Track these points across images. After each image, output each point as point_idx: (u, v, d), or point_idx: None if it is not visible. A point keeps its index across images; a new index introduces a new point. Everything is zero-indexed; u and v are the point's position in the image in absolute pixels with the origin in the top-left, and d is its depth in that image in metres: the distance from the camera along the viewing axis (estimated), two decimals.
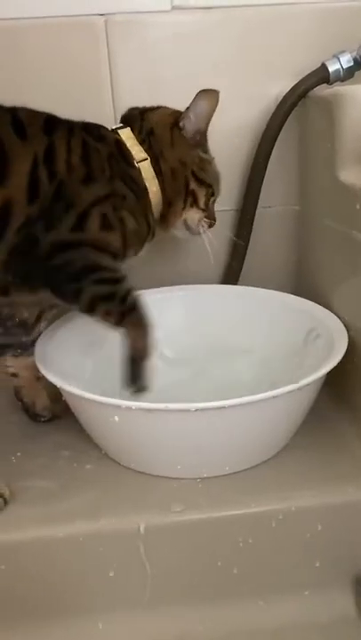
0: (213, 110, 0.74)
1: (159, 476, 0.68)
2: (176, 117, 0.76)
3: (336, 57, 0.84)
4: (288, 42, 0.88)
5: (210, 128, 0.77)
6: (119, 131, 0.74)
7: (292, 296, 0.87)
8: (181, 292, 0.90)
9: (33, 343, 0.75)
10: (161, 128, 0.75)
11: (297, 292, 0.89)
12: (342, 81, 0.85)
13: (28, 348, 0.76)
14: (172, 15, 0.86)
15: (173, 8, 0.86)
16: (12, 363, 0.78)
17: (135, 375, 0.68)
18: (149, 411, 0.62)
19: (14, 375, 0.79)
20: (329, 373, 0.67)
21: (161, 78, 0.88)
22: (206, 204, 0.78)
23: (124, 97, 0.87)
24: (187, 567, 0.66)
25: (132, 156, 0.73)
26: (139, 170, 0.73)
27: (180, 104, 0.85)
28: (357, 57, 0.83)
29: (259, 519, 0.65)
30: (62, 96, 0.84)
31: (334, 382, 0.72)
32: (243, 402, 0.61)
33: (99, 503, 0.66)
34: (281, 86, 0.87)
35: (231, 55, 0.88)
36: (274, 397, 0.62)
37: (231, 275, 0.96)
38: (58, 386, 0.67)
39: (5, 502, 0.66)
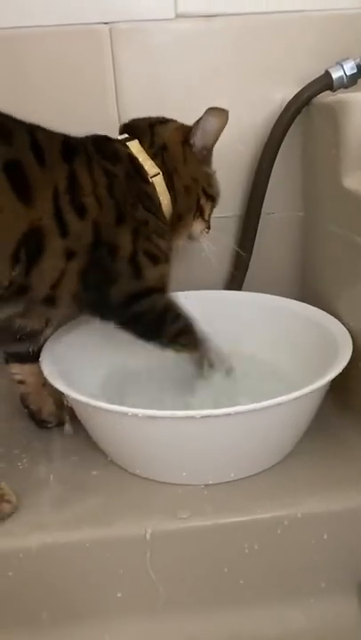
0: (222, 129, 0.76)
1: (165, 483, 0.68)
2: (185, 133, 0.77)
3: (340, 64, 0.84)
4: (291, 49, 0.88)
5: None
6: (128, 144, 0.75)
7: (297, 302, 0.87)
8: (185, 299, 0.90)
9: (39, 351, 0.76)
10: (174, 144, 0.76)
11: (301, 297, 0.89)
12: (346, 88, 0.85)
13: (35, 356, 0.76)
14: (175, 23, 0.87)
15: (177, 16, 0.87)
16: (19, 370, 0.79)
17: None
18: (155, 418, 0.62)
19: (21, 382, 0.79)
20: (334, 379, 0.67)
21: (165, 85, 0.88)
22: (209, 215, 0.81)
23: (129, 104, 0.88)
24: (193, 573, 0.66)
25: (145, 171, 0.74)
26: (153, 185, 0.74)
27: (184, 111, 0.86)
28: None
29: (264, 525, 0.65)
30: (67, 103, 0.85)
31: (339, 388, 0.72)
32: (248, 409, 0.61)
33: (105, 510, 0.66)
34: (284, 93, 0.88)
35: (235, 62, 0.89)
36: (278, 405, 0.62)
37: (235, 281, 0.96)
38: (64, 393, 0.68)
39: (12, 509, 0.66)
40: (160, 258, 0.72)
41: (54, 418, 0.80)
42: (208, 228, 0.82)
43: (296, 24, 0.88)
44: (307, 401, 0.67)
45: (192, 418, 0.61)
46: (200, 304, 0.90)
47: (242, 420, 0.63)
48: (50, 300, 0.69)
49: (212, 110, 0.75)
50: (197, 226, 0.80)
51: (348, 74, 0.84)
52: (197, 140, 0.76)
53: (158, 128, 0.77)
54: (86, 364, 0.79)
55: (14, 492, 0.67)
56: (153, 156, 0.75)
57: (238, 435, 0.65)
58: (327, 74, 0.85)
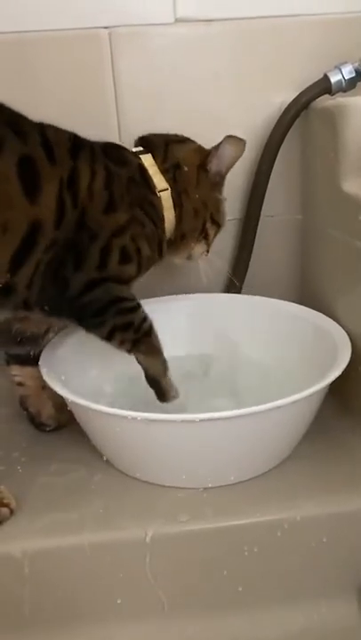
0: (238, 157, 0.77)
1: (165, 486, 0.68)
2: (202, 157, 0.77)
3: (338, 68, 0.84)
4: (290, 53, 0.89)
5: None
6: (141, 156, 0.75)
7: (296, 305, 0.87)
8: (185, 302, 0.91)
9: (40, 354, 0.76)
10: (188, 166, 0.77)
11: (301, 300, 0.89)
12: (344, 91, 0.85)
13: (35, 360, 0.76)
14: (175, 27, 0.87)
15: (177, 20, 0.87)
16: (19, 372, 0.79)
17: (160, 392, 0.73)
18: (154, 421, 0.62)
19: (20, 384, 0.79)
20: (333, 382, 0.67)
21: (165, 89, 0.89)
22: (212, 239, 0.82)
23: (128, 107, 0.88)
24: (193, 576, 0.67)
25: (153, 183, 0.74)
26: (159, 199, 0.74)
27: (183, 114, 0.86)
28: (359, 68, 0.84)
29: (264, 529, 0.65)
30: (67, 107, 0.85)
31: (338, 391, 0.72)
32: (247, 412, 0.61)
33: (105, 513, 0.66)
34: (283, 97, 0.88)
35: (234, 66, 0.89)
36: (278, 407, 0.62)
37: (234, 284, 0.96)
38: (63, 396, 0.68)
39: (11, 512, 0.66)
40: (132, 259, 0.71)
41: (53, 421, 0.80)
42: (207, 251, 0.82)
43: (295, 28, 0.88)
44: (306, 404, 0.67)
45: (191, 421, 0.61)
46: (199, 307, 0.91)
47: (241, 423, 0.63)
48: (27, 304, 0.68)
49: (230, 138, 0.76)
50: (199, 248, 0.81)
51: (346, 78, 0.84)
52: (213, 166, 0.77)
53: (175, 146, 0.78)
54: (86, 367, 0.79)
55: (13, 496, 0.67)
56: (164, 172, 0.75)
57: (238, 438, 0.65)
58: (326, 78, 0.85)
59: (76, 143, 0.70)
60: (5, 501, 0.66)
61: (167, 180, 0.75)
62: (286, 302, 0.88)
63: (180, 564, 0.65)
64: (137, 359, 0.73)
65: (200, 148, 0.79)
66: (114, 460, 0.72)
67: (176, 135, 0.80)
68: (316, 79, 0.86)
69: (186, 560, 0.65)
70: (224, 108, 0.86)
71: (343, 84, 0.85)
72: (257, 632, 0.67)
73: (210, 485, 0.68)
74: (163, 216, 0.75)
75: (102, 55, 0.86)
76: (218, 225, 0.81)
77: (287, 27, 0.88)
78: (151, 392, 0.74)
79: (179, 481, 0.68)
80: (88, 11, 0.85)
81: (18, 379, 0.79)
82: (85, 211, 0.67)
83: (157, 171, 0.75)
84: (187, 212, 0.77)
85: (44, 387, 0.74)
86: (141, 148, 0.77)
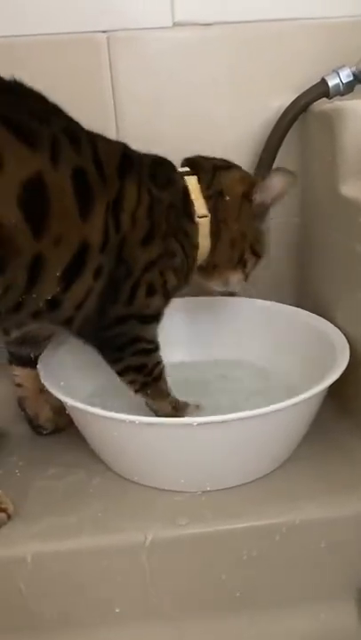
0: (286, 192, 0.75)
1: (163, 490, 0.68)
2: (248, 186, 0.74)
3: (336, 72, 0.85)
4: (288, 57, 0.89)
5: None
6: (186, 178, 0.73)
7: (295, 308, 0.87)
8: (183, 305, 0.91)
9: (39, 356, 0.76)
10: (232, 195, 0.74)
11: (299, 303, 0.89)
12: (342, 95, 0.86)
13: (35, 362, 0.76)
14: (173, 31, 0.87)
15: (175, 24, 0.87)
16: (19, 372, 0.79)
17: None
18: (152, 425, 0.62)
19: (19, 385, 0.79)
20: (332, 385, 0.67)
21: (163, 93, 0.89)
22: (251, 269, 0.79)
23: (127, 112, 0.88)
24: (191, 580, 0.66)
25: (193, 209, 0.72)
26: (196, 226, 0.72)
27: (182, 118, 0.86)
28: (357, 72, 0.84)
29: (263, 532, 0.65)
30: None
31: (337, 393, 0.72)
32: (245, 416, 0.61)
33: (103, 517, 0.66)
34: (282, 100, 0.88)
35: (232, 70, 0.89)
36: (276, 411, 0.62)
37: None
38: (62, 400, 0.68)
39: (8, 517, 0.66)
40: (158, 292, 0.70)
41: (51, 424, 0.80)
42: (245, 279, 0.79)
43: (293, 32, 0.89)
44: (305, 407, 0.67)
45: (189, 425, 0.61)
46: (198, 310, 0.91)
47: (240, 426, 0.63)
48: (69, 322, 0.68)
49: (280, 171, 0.74)
50: (236, 276, 0.78)
51: (344, 81, 0.84)
52: (258, 197, 0.74)
53: (222, 173, 0.75)
54: (85, 370, 0.79)
55: (11, 500, 0.67)
56: (207, 198, 0.73)
57: (236, 441, 0.65)
58: (323, 81, 0.85)
59: (125, 159, 0.68)
60: (3, 506, 0.66)
61: (208, 208, 0.73)
62: (285, 305, 0.88)
63: (178, 567, 0.65)
64: (145, 401, 0.74)
65: (246, 177, 0.77)
66: (112, 463, 0.72)
67: (224, 160, 0.78)
68: (314, 83, 0.86)
69: (184, 564, 0.65)
70: (222, 112, 0.86)
71: (341, 87, 0.85)
72: (256, 636, 0.67)
73: (208, 489, 0.68)
74: (197, 243, 0.73)
75: (100, 59, 0.87)
76: (258, 256, 0.78)
77: (285, 30, 0.89)
78: None
79: (177, 484, 0.68)
80: (86, 15, 0.86)
81: (17, 379, 0.79)
82: (125, 239, 0.66)
83: (200, 195, 0.73)
84: (223, 243, 0.75)
85: (42, 390, 0.74)
86: (188, 169, 0.74)
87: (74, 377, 0.75)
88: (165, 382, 0.75)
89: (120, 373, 0.72)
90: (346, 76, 0.84)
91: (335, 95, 0.86)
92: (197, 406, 0.76)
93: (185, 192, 0.72)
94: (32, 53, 0.85)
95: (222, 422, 0.61)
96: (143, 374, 0.72)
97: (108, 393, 0.79)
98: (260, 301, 0.90)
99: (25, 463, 0.75)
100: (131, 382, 0.73)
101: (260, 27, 0.88)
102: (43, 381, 0.70)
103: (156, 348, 0.73)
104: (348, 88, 0.85)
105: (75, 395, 0.68)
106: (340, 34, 0.89)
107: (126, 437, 0.65)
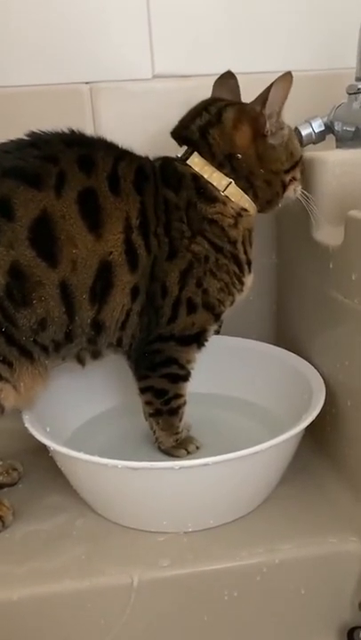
0: (289, 90, 0.70)
1: (146, 531, 0.69)
2: (250, 127, 0.69)
3: (308, 122, 0.89)
4: None
5: None
6: (189, 161, 0.70)
7: (272, 346, 0.90)
8: None
9: None
10: (241, 148, 0.70)
11: (277, 342, 0.92)
12: (315, 144, 0.90)
13: None
14: (153, 83, 0.91)
15: (154, 76, 0.91)
16: None
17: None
18: (135, 469, 0.63)
19: None
20: (309, 424, 0.69)
21: (143, 141, 0.91)
22: (299, 175, 0.75)
23: None
24: (173, 622, 0.67)
25: (212, 188, 0.70)
26: (226, 199, 0.70)
27: None
28: (328, 122, 0.88)
29: (244, 573, 0.66)
30: None
31: (314, 431, 0.74)
32: (225, 459, 0.63)
33: (87, 559, 0.66)
34: None
35: None
36: (255, 453, 0.64)
37: None
38: (45, 444, 0.68)
39: (3, 525, 0.69)
40: (198, 306, 0.71)
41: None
42: (300, 184, 0.75)
43: (268, 84, 0.93)
44: (282, 448, 0.69)
45: (170, 469, 0.63)
46: None
47: (219, 469, 0.64)
48: (119, 343, 0.70)
49: (278, 81, 0.70)
50: (290, 192, 0.74)
51: (316, 131, 0.89)
52: (272, 126, 0.69)
53: (215, 132, 0.70)
54: (65, 414, 0.80)
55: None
56: (220, 166, 0.70)
57: (216, 483, 0.66)
58: (296, 130, 0.89)
59: (140, 173, 0.68)
60: (1, 513, 0.69)
61: (226, 174, 0.69)
62: (263, 343, 0.91)
63: (161, 609, 0.66)
64: (151, 425, 0.77)
65: (241, 117, 0.70)
66: (95, 505, 0.73)
67: (204, 108, 0.72)
68: None
69: (167, 605, 0.66)
70: None
71: (313, 136, 0.89)
72: None
73: (190, 529, 0.69)
74: (228, 225, 0.71)
75: (84, 108, 0.90)
76: (294, 164, 0.73)
77: (261, 83, 0.92)
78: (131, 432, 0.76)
79: (160, 526, 0.69)
80: (70, 66, 0.89)
81: None
82: (156, 259, 0.68)
83: (212, 169, 0.69)
84: (260, 188, 0.72)
85: None
86: (185, 149, 0.72)
87: (56, 419, 0.76)
88: (179, 419, 0.76)
89: (142, 391, 0.75)
90: (318, 125, 0.89)
91: (308, 143, 0.90)
92: (197, 447, 0.79)
93: (195, 180, 0.70)
94: (18, 103, 0.89)
95: (202, 466, 0.63)
96: (161, 401, 0.74)
97: (93, 434, 0.80)
98: (237, 339, 0.92)
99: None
100: (147, 403, 0.75)
101: (238, 79, 0.92)
102: (25, 424, 0.71)
103: (185, 377, 0.75)
104: (320, 137, 0.89)
105: (57, 432, 0.70)
106: (313, 86, 0.93)
107: (108, 480, 0.67)
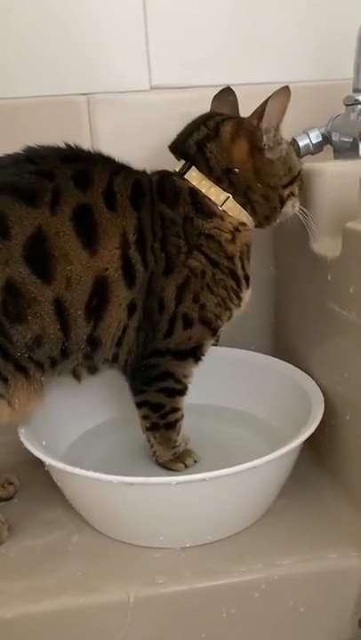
0: (287, 104, 0.69)
1: (143, 547, 0.68)
2: (248, 141, 0.69)
3: (306, 133, 0.89)
4: None
5: None
6: (187, 176, 0.70)
7: (271, 358, 0.89)
8: None
9: None
10: (239, 162, 0.69)
11: (275, 353, 0.91)
12: (312, 154, 0.90)
13: None
14: (150, 94, 0.91)
15: (152, 88, 0.91)
16: None
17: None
18: (131, 484, 0.62)
19: None
20: (308, 436, 0.68)
21: (141, 152, 0.91)
22: (298, 191, 0.75)
23: None
24: (171, 639, 0.66)
25: (209, 203, 0.69)
26: (224, 214, 0.70)
27: None
28: (325, 133, 0.88)
29: (242, 589, 0.65)
30: None
31: (313, 443, 0.73)
32: (223, 474, 0.62)
33: (82, 576, 0.65)
34: None
35: None
36: (253, 468, 0.63)
37: None
38: (41, 459, 0.68)
39: None
40: (194, 320, 0.70)
41: None
42: (297, 201, 0.75)
43: (264, 95, 0.92)
44: (281, 462, 0.68)
45: (167, 484, 0.62)
46: None
47: (217, 484, 0.63)
48: (115, 359, 0.70)
49: (275, 95, 0.69)
50: (288, 208, 0.74)
51: (313, 142, 0.89)
52: (268, 140, 0.69)
53: (212, 146, 0.70)
54: (61, 428, 0.80)
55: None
56: (217, 181, 0.69)
57: (213, 498, 0.66)
58: (294, 141, 0.89)
59: (136, 189, 0.68)
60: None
61: (224, 189, 0.69)
62: (262, 354, 0.90)
63: (158, 626, 0.65)
64: (148, 439, 0.77)
65: (238, 131, 0.70)
66: (92, 521, 0.72)
67: (202, 123, 0.72)
68: None
69: (164, 622, 0.65)
70: None
71: (311, 147, 0.89)
72: None
73: (187, 545, 0.68)
74: (225, 240, 0.70)
75: (81, 120, 0.90)
76: (293, 180, 0.73)
77: (258, 94, 0.92)
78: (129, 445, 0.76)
79: (156, 541, 0.68)
80: (67, 78, 0.90)
81: None
82: (153, 274, 0.68)
83: (209, 184, 0.69)
84: (257, 203, 0.71)
85: None
86: (183, 163, 0.71)
87: (51, 434, 0.76)
88: (177, 433, 0.76)
89: (138, 405, 0.74)
90: (315, 136, 0.89)
91: (306, 154, 0.90)
92: (195, 461, 0.78)
93: (192, 194, 0.69)
94: (16, 115, 0.89)
95: (199, 481, 0.62)
96: (157, 415, 0.74)
97: (88, 448, 0.80)
98: (236, 350, 0.92)
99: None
100: (144, 417, 0.75)
101: (235, 90, 0.92)
102: (21, 439, 0.70)
103: (181, 391, 0.74)
104: (317, 148, 0.89)
105: (54, 446, 0.69)
106: (311, 97, 0.93)
107: (105, 496, 0.66)
